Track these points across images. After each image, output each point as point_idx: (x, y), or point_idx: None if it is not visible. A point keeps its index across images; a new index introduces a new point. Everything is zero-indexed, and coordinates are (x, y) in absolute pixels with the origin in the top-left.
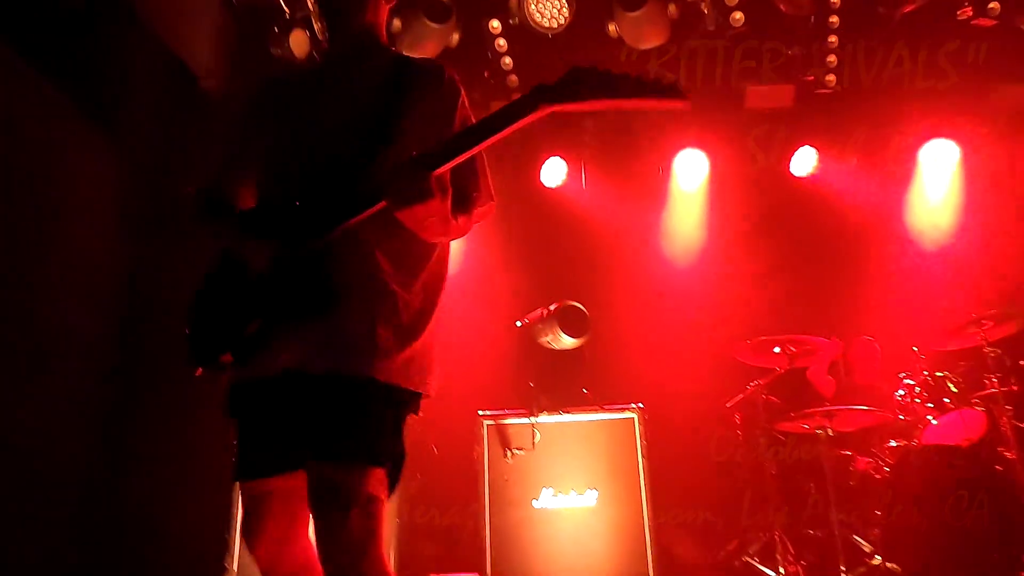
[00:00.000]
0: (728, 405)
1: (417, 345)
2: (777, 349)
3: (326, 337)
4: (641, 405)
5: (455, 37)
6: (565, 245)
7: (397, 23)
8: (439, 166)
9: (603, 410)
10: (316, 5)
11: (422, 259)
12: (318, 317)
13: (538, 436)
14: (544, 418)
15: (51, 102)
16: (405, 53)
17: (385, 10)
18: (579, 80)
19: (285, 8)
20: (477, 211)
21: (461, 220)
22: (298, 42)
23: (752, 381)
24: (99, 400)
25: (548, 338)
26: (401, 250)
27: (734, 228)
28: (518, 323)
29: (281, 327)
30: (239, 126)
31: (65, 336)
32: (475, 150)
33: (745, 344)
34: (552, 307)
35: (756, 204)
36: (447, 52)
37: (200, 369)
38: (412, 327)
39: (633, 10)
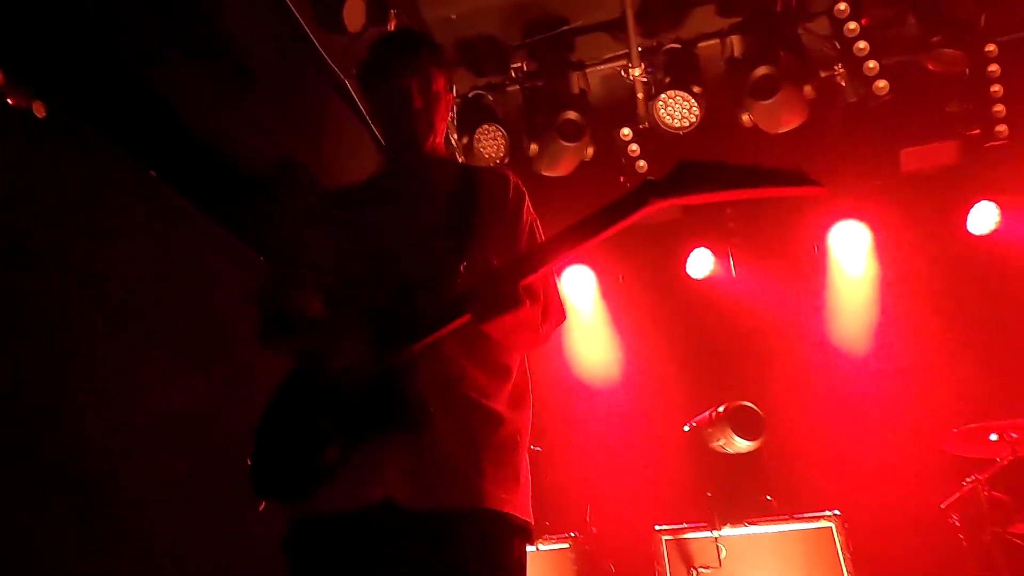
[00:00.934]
0: (943, 507)
1: (521, 468)
2: (994, 436)
3: (423, 464)
4: (838, 512)
5: (589, 151)
6: (722, 339)
7: (534, 147)
8: (530, 273)
9: (794, 520)
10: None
11: (509, 371)
12: (409, 440)
13: (724, 551)
14: (728, 531)
15: (246, 262)
16: (543, 172)
17: (446, 121)
18: (688, 173)
19: None
20: (557, 319)
21: (546, 329)
22: None
23: (968, 476)
24: None
25: (721, 442)
26: (488, 363)
27: (910, 302)
28: (686, 427)
29: (366, 452)
30: (298, 237)
31: None
32: (577, 249)
33: (952, 434)
34: (721, 408)
35: (931, 272)
36: (583, 165)
37: (264, 503)
38: (512, 446)
39: (766, 98)
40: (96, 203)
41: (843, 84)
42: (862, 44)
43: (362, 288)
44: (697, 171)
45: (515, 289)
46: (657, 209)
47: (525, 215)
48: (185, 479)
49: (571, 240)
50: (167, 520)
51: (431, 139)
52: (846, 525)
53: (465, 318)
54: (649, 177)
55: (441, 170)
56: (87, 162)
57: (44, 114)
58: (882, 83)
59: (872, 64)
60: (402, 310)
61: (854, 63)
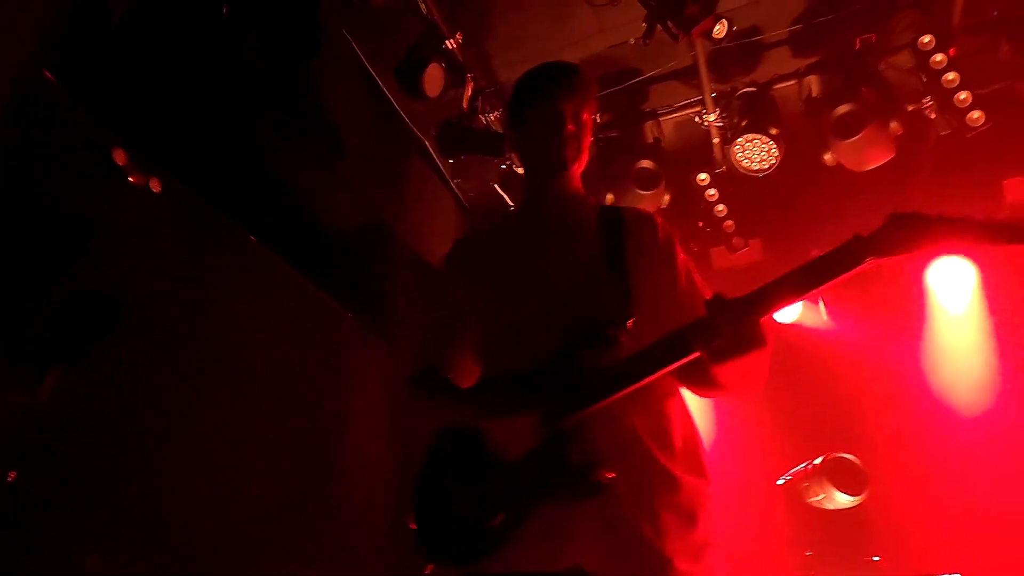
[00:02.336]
0: None
1: (705, 531)
2: None
3: (607, 531)
4: (961, 574)
5: (666, 198)
6: (814, 386)
7: (610, 196)
8: (770, 312)
9: None
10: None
11: (677, 428)
12: (588, 504)
13: None
14: None
15: (336, 317)
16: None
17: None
18: (901, 227)
19: (509, 202)
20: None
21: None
22: None
23: None
24: None
25: (819, 497)
26: (657, 419)
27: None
28: (779, 481)
29: (544, 517)
30: (444, 295)
31: None
32: (793, 300)
33: None
34: (819, 460)
35: None
36: (660, 212)
37: (431, 567)
38: (692, 508)
39: (850, 136)
40: (202, 266)
41: (933, 117)
42: (951, 75)
43: (525, 341)
44: (911, 224)
45: (759, 326)
46: (872, 267)
47: (680, 256)
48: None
49: (794, 288)
50: None
51: (577, 166)
52: None
53: (693, 355)
54: (858, 235)
55: (585, 206)
56: (196, 229)
57: (160, 189)
58: (976, 113)
59: (964, 95)
60: (573, 369)
61: (944, 95)
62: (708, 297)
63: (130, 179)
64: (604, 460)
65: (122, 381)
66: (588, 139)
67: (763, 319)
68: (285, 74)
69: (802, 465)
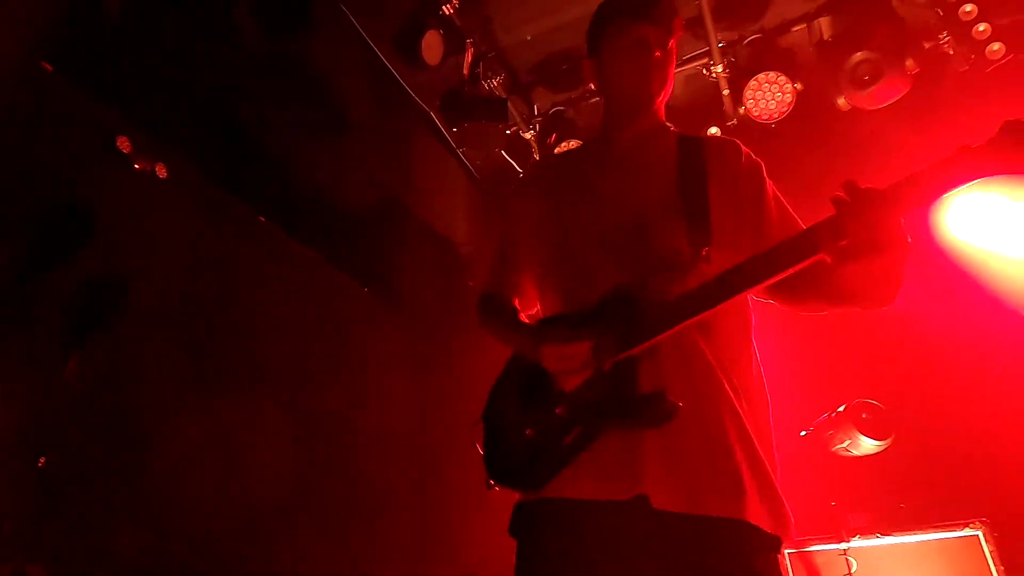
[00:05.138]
0: None
1: (773, 471)
2: None
3: (676, 463)
4: (986, 519)
5: None
6: (833, 335)
7: None
8: (918, 206)
9: (934, 529)
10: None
11: (748, 361)
12: (656, 435)
13: (855, 565)
14: (859, 542)
15: (352, 294)
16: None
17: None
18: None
19: (518, 168)
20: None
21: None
22: None
23: None
24: None
25: (845, 444)
26: (729, 352)
27: None
28: (803, 432)
29: (611, 444)
30: (515, 220)
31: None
32: (931, 200)
33: None
34: (842, 408)
35: None
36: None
37: (498, 485)
38: (764, 447)
39: (867, 87)
40: (213, 249)
41: (951, 53)
42: (968, 7)
43: (594, 270)
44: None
45: (898, 224)
46: (997, 176)
47: (768, 184)
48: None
49: (934, 185)
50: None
51: (662, 96)
52: (996, 534)
53: (816, 257)
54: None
55: (665, 137)
56: (204, 213)
57: (165, 174)
58: (996, 45)
59: (983, 27)
60: (643, 297)
61: (961, 29)
62: (800, 226)
63: (136, 166)
64: (673, 388)
65: (133, 367)
66: (672, 69)
67: (902, 216)
68: (282, 48)
69: (825, 415)
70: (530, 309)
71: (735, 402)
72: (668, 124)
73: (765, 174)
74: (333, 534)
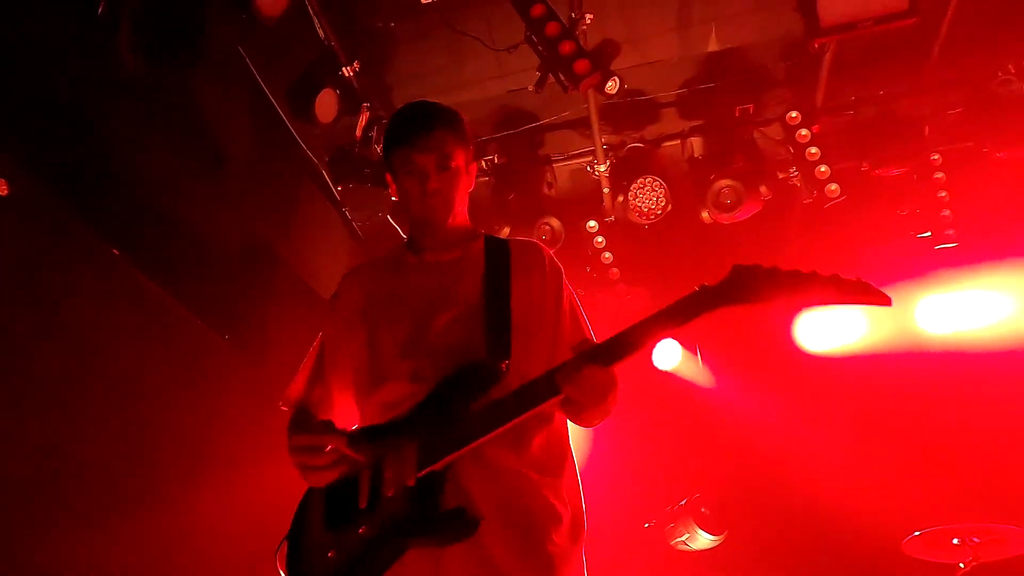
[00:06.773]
0: None
1: (580, 564)
2: (956, 541)
3: (483, 572)
4: None
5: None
6: (685, 432)
7: (507, 230)
8: (620, 360)
9: None
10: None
11: (565, 458)
12: (461, 548)
13: None
14: None
15: (207, 343)
16: None
17: (468, 193)
18: (744, 279)
19: (403, 235)
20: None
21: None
22: None
23: None
24: None
25: (684, 538)
26: (543, 451)
27: (875, 397)
28: (646, 524)
29: (419, 559)
30: (333, 327)
31: None
32: (647, 346)
33: (914, 538)
34: (683, 502)
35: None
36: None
37: None
38: (573, 537)
39: (727, 212)
40: (52, 276)
41: (798, 185)
42: (814, 150)
43: (401, 383)
44: (752, 275)
45: (611, 373)
46: (720, 313)
47: (566, 291)
48: None
49: (652, 332)
50: None
51: (450, 218)
52: None
53: (555, 399)
54: (704, 284)
55: (470, 241)
56: (49, 236)
57: (7, 191)
58: (834, 186)
59: (824, 168)
60: (445, 415)
61: (807, 167)
62: (590, 334)
63: None
64: (478, 499)
65: None
66: (461, 187)
67: (611, 367)
68: (164, 79)
69: (667, 508)
70: (348, 424)
71: (549, 499)
72: (473, 226)
73: (564, 280)
74: None
